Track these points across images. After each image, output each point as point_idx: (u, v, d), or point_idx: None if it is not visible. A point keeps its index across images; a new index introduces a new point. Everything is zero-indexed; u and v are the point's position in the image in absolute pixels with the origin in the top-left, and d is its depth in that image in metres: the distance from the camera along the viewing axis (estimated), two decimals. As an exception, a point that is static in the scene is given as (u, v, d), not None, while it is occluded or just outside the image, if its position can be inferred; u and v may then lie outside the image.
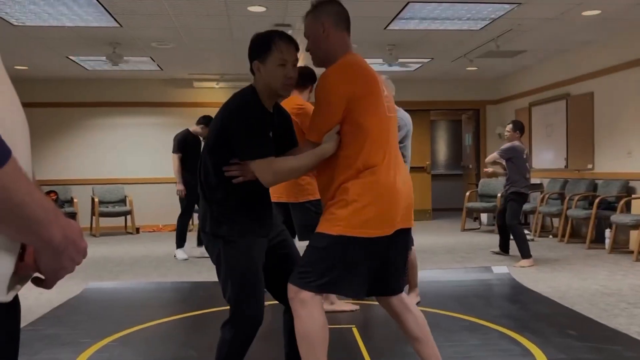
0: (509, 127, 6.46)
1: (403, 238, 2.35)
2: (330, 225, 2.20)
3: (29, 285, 0.95)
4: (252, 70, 2.30)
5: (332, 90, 2.20)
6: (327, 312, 4.05)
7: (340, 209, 2.20)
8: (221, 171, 2.25)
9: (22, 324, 0.97)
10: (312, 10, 2.33)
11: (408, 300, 2.44)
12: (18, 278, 0.90)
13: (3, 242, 0.84)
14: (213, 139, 2.27)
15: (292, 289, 2.23)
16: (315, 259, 2.21)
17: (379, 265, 2.28)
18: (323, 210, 2.31)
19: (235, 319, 2.27)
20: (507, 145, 6.34)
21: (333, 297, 4.17)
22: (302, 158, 2.22)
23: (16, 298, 0.94)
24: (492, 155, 6.53)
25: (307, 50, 2.38)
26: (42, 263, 0.90)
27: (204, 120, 6.63)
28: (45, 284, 0.94)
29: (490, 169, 6.94)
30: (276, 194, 3.79)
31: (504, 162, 6.42)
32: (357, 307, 4.21)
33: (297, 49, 2.29)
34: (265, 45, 2.24)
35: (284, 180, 2.26)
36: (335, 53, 2.29)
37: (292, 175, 2.26)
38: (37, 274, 0.94)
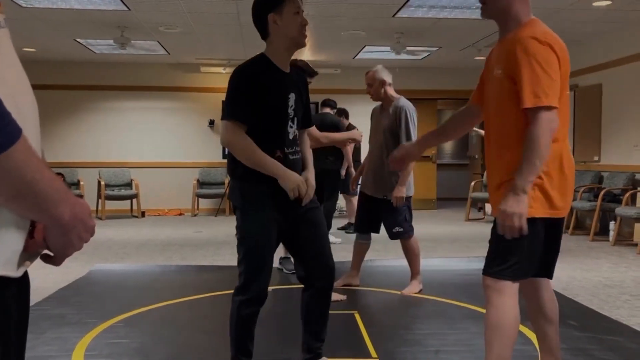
0: None
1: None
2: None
3: (36, 265, 0.97)
4: (264, 28, 2.31)
5: (549, 52, 1.99)
6: None
7: (537, 189, 2.06)
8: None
9: (29, 304, 1.00)
10: None
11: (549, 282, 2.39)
12: (27, 255, 0.92)
13: (13, 219, 0.86)
14: None
15: (487, 279, 2.14)
16: (508, 245, 2.08)
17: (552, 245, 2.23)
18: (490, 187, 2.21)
19: (243, 286, 2.35)
20: None
21: None
22: (262, 156, 2.25)
23: (26, 274, 0.96)
24: None
25: None
26: (51, 240, 0.92)
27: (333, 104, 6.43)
28: (53, 261, 0.96)
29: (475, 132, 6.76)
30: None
31: None
32: (345, 296, 4.15)
33: None
34: None
35: (233, 152, 2.31)
36: (517, 12, 2.10)
37: (240, 157, 2.29)
38: (46, 251, 0.96)
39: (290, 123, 2.35)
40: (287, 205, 2.34)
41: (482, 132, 6.85)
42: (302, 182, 2.29)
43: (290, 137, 2.36)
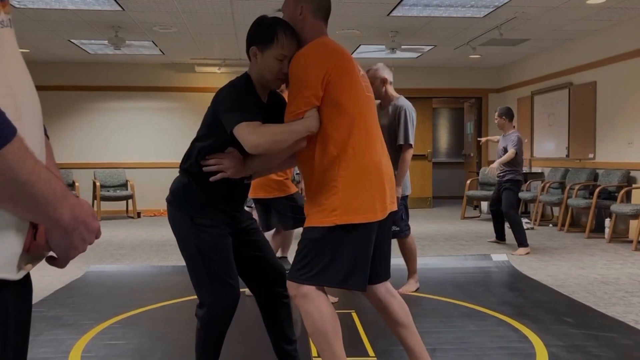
0: (496, 114, 6.41)
1: (390, 221, 2.32)
2: (323, 216, 2.13)
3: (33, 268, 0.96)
4: (247, 53, 2.24)
5: (309, 69, 2.11)
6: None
7: (332, 197, 2.13)
8: (203, 153, 2.21)
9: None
10: None
11: (391, 286, 2.41)
12: (30, 257, 0.91)
13: (12, 221, 0.86)
14: (205, 126, 2.25)
15: (292, 285, 2.18)
16: (312, 251, 2.15)
17: (373, 251, 2.24)
18: (306, 199, 2.26)
19: (209, 302, 2.23)
20: (514, 137, 6.21)
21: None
22: (288, 124, 2.11)
23: (28, 277, 0.95)
24: (510, 152, 6.11)
25: None
26: (53, 242, 0.91)
27: None
28: (57, 263, 0.96)
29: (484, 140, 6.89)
30: (253, 192, 3.97)
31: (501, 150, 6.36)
32: (337, 298, 4.15)
33: (299, 43, 2.23)
34: (269, 35, 2.17)
35: (270, 146, 2.08)
36: (307, 37, 2.22)
37: (283, 137, 2.08)
38: (51, 253, 0.95)
39: None
40: (234, 222, 2.32)
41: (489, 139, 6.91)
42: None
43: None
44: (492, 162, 9.79)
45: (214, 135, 2.21)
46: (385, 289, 2.36)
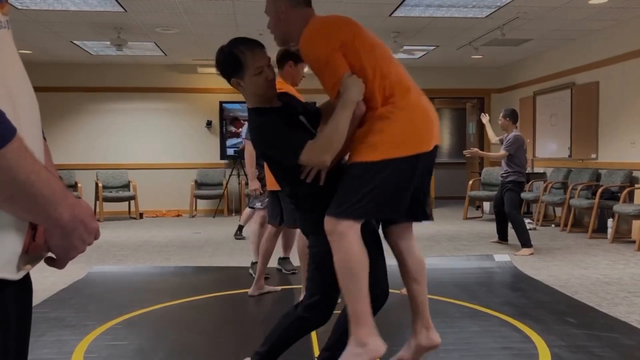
0: (501, 115, 6.42)
1: (435, 154, 2.37)
2: (369, 152, 2.19)
3: (33, 268, 0.96)
4: (233, 86, 2.29)
5: (320, 47, 2.19)
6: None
7: (377, 134, 2.20)
8: (289, 179, 2.31)
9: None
10: None
11: (413, 244, 2.46)
12: (29, 258, 0.91)
13: (12, 221, 0.85)
14: (274, 172, 2.37)
15: (330, 222, 2.17)
16: (355, 186, 2.18)
17: (416, 185, 2.29)
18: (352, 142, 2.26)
19: (319, 306, 2.35)
20: (510, 137, 6.22)
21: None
22: (333, 118, 2.17)
23: (28, 277, 0.95)
24: (502, 154, 6.23)
25: (268, 28, 2.37)
26: (52, 243, 0.91)
27: None
28: (56, 263, 0.95)
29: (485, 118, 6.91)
30: (269, 184, 3.94)
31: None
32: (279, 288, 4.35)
33: (263, 47, 2.26)
34: (236, 63, 2.21)
35: (333, 150, 2.15)
36: (298, 30, 2.26)
37: (338, 137, 2.16)
38: (50, 254, 0.95)
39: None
40: None
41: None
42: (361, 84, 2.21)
43: None
44: (493, 163, 9.82)
45: (285, 177, 2.32)
46: (407, 241, 2.44)
